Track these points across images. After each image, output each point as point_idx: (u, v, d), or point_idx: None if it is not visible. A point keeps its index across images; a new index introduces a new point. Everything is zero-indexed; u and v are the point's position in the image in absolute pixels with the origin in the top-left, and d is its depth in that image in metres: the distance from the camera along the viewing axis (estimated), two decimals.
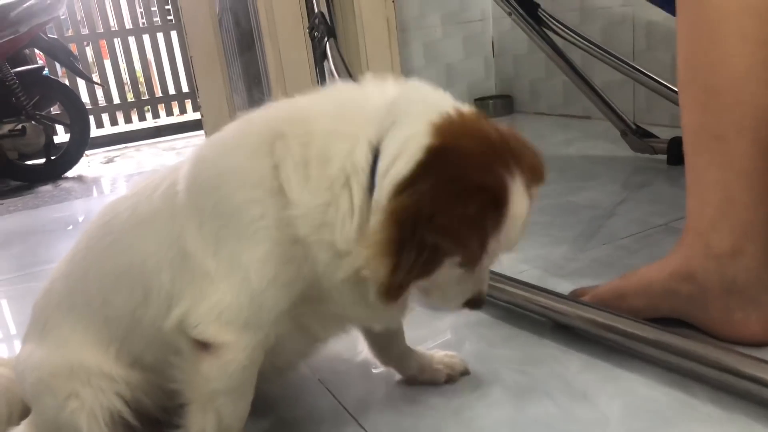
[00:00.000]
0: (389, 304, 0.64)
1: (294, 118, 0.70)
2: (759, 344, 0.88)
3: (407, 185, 0.61)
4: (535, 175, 0.67)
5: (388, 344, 0.92)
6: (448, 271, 0.65)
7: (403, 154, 0.62)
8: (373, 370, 0.97)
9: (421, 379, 0.92)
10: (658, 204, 1.60)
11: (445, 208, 0.60)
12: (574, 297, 1.04)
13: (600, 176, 1.95)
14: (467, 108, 0.68)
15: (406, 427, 0.84)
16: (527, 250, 1.41)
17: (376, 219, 0.62)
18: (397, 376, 0.94)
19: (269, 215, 0.67)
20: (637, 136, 1.99)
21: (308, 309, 0.73)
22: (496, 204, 0.62)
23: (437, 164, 0.62)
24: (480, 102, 3.13)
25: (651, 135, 1.99)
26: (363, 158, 0.65)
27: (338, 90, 0.75)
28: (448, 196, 0.60)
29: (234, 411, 0.73)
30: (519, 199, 0.64)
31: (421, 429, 0.83)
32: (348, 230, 0.65)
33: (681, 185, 0.95)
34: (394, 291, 0.62)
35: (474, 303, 0.73)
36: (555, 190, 1.82)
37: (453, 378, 0.92)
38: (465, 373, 0.93)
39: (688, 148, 0.93)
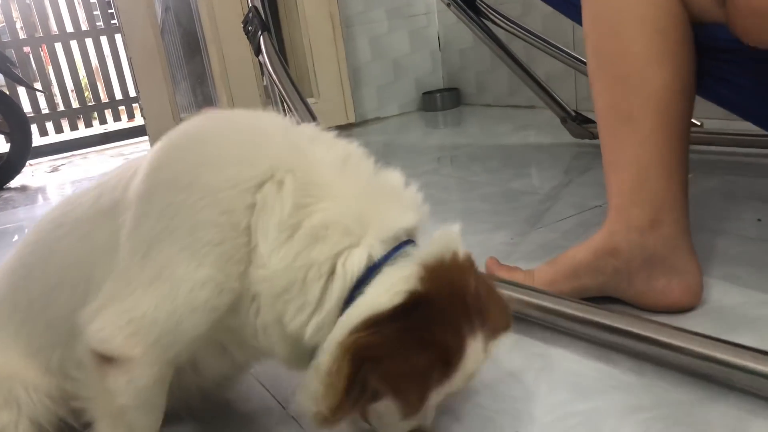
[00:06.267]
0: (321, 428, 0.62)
1: (304, 169, 0.65)
2: (681, 310, 0.92)
3: (375, 324, 0.59)
4: (497, 331, 0.67)
5: None
6: (386, 411, 0.63)
7: (388, 291, 0.61)
8: None
9: None
10: (597, 187, 1.63)
11: (395, 357, 0.58)
12: (493, 269, 1.07)
13: (542, 163, 1.98)
14: (463, 252, 0.66)
15: None
16: (467, 236, 1.41)
17: (332, 346, 0.60)
18: None
19: (227, 246, 0.63)
20: (577, 122, 2.03)
21: (228, 336, 0.70)
22: (447, 363, 0.61)
23: (410, 312, 0.60)
24: (428, 96, 3.15)
25: (590, 121, 2.03)
26: (356, 268, 0.63)
27: (372, 176, 0.70)
28: (403, 345, 0.59)
29: (146, 424, 0.70)
30: (473, 356, 0.63)
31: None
32: (301, 322, 0.63)
33: None
34: (330, 422, 0.60)
35: None
36: (497, 179, 1.84)
37: None
38: None
39: (602, 131, 0.98)
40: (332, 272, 0.63)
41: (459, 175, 2.02)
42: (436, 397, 0.62)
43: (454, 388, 0.63)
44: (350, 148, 0.72)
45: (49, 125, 4.91)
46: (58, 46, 4.91)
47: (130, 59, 2.73)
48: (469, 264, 0.66)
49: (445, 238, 0.66)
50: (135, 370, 0.64)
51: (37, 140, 4.08)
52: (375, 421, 0.68)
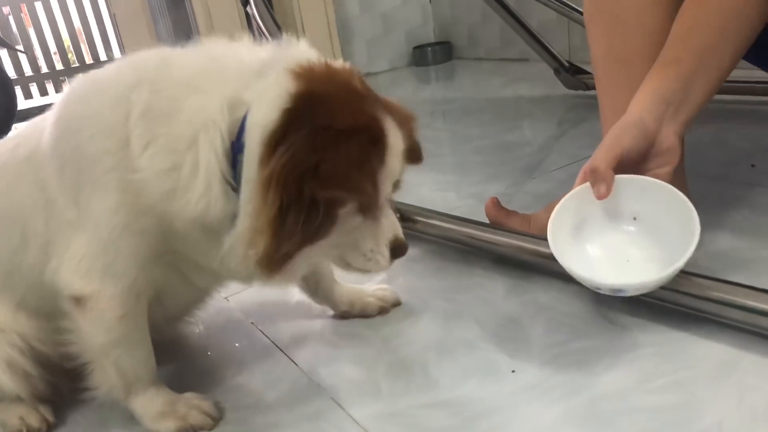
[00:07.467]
0: (273, 275, 0.61)
1: (158, 67, 0.66)
2: None
3: (279, 138, 0.57)
4: (406, 120, 0.67)
5: (316, 284, 0.92)
6: (350, 224, 0.64)
7: (265, 104, 0.59)
8: (307, 311, 0.97)
9: (354, 313, 0.93)
10: (591, 137, 1.62)
11: (328, 156, 0.56)
12: (492, 210, 1.06)
13: (535, 115, 1.97)
14: (340, 63, 0.66)
15: (336, 356, 0.85)
16: (462, 188, 1.42)
17: (250, 186, 0.58)
18: (331, 313, 0.95)
19: (120, 167, 0.63)
20: (570, 73, 2.01)
21: (178, 258, 0.71)
22: (374, 140, 0.61)
23: (306, 111, 0.58)
24: (419, 50, 3.10)
25: (583, 71, 2.01)
26: (216, 111, 0.61)
27: (212, 45, 0.69)
28: (327, 142, 0.57)
29: (133, 362, 0.73)
30: (393, 132, 0.63)
31: (351, 358, 0.84)
32: (193, 198, 0.61)
33: None
34: (278, 261, 0.59)
35: (397, 250, 0.69)
36: (490, 132, 1.83)
37: (385, 309, 0.93)
38: (397, 304, 0.94)
39: (598, 75, 0.98)
40: (195, 134, 0.61)
41: (452, 128, 2.01)
42: (383, 181, 0.63)
43: (393, 170, 0.64)
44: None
45: (34, 88, 4.82)
46: (38, 6, 4.79)
47: (113, 16, 2.67)
48: (350, 69, 0.66)
49: (303, 49, 0.66)
50: (100, 303, 0.68)
51: (22, 103, 4.00)
52: (350, 255, 0.69)
